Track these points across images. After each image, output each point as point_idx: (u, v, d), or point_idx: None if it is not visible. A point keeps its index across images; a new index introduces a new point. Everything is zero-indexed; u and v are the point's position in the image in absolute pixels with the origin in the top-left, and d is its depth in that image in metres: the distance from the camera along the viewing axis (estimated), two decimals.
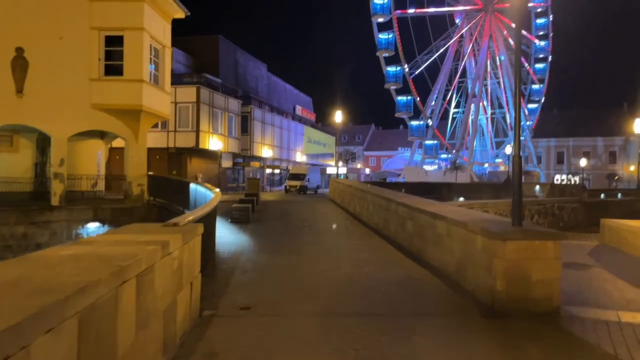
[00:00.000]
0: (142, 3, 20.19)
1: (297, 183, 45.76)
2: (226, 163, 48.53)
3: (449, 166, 56.84)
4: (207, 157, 44.77)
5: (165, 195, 20.25)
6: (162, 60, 22.65)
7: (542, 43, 77.03)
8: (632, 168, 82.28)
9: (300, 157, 65.04)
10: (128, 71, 20.18)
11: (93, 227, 20.90)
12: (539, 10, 77.15)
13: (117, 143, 27.34)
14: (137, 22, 20.10)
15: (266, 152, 54.02)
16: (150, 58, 21.52)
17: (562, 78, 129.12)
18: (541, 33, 77.64)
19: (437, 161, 63.04)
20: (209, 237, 9.29)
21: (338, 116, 27.41)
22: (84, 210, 20.62)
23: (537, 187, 45.95)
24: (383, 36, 54.37)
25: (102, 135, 23.79)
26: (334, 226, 14.90)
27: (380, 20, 54.38)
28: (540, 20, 77.81)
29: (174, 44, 48.99)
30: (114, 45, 20.32)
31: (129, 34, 20.10)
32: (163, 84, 22.71)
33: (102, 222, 20.97)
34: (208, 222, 8.63)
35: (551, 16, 76.13)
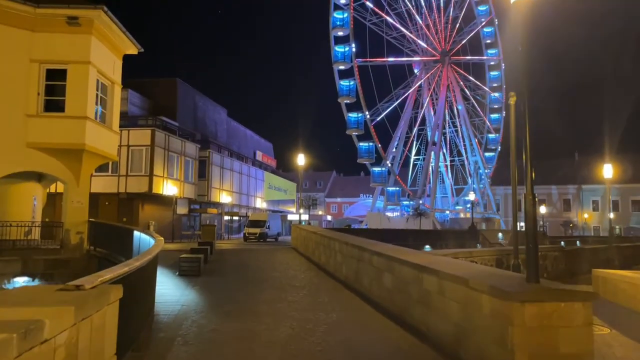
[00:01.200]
0: (89, 36, 18.63)
1: (257, 230, 43.79)
2: (182, 209, 46.09)
3: (411, 213, 56.29)
4: (161, 203, 42.31)
5: (107, 244, 18.01)
6: (111, 98, 20.92)
7: (497, 94, 79.87)
8: (586, 215, 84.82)
9: (260, 203, 63.10)
10: (70, 107, 18.31)
11: (21, 281, 18.26)
12: (492, 63, 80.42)
13: (61, 187, 24.94)
14: (83, 55, 18.46)
15: (225, 198, 51.93)
16: (97, 95, 19.75)
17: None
18: (495, 85, 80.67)
19: (399, 208, 62.54)
20: (145, 296, 7.45)
21: (300, 159, 26.10)
22: (12, 262, 18.02)
23: (500, 234, 45.70)
24: (344, 83, 54.58)
25: (39, 177, 21.43)
26: (298, 279, 13.18)
27: (342, 67, 54.74)
28: (493, 73, 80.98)
29: (130, 85, 47.67)
30: (56, 79, 18.50)
31: (73, 67, 18.39)
32: (111, 123, 20.86)
33: (33, 275, 18.39)
34: (143, 277, 6.84)
35: (503, 67, 79.40)
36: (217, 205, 51.21)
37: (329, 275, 13.44)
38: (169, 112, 46.98)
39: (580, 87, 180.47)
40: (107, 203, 40.89)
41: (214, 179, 50.48)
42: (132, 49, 21.97)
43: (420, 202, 58.30)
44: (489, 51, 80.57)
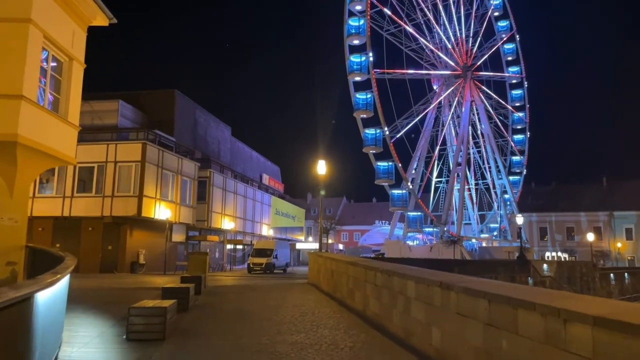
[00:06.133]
0: None
1: (263, 260, 37.90)
2: (178, 236, 40.31)
3: (437, 241, 50.19)
4: (153, 229, 36.58)
5: None
6: (67, 79, 15.45)
7: (520, 114, 74.65)
8: (619, 245, 77.98)
9: (266, 230, 57.15)
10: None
11: None
12: (514, 81, 75.52)
13: None
14: (20, 9, 13.08)
15: (227, 224, 46.08)
16: (45, 70, 14.29)
17: (537, 152, 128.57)
18: (518, 104, 75.56)
19: (418, 235, 56.34)
20: None
21: (321, 166, 20.31)
22: None
23: (545, 265, 39.41)
24: (361, 96, 49.30)
25: None
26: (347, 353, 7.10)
27: (358, 79, 49.62)
28: (516, 92, 75.97)
29: (122, 97, 42.65)
30: None
31: (5, 26, 12.98)
32: (66, 112, 15.31)
33: None
34: None
35: (526, 85, 74.44)
36: (218, 231, 45.38)
37: (397, 340, 7.49)
38: (165, 127, 41.74)
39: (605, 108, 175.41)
40: (90, 228, 35.23)
41: (215, 202, 44.80)
42: (101, 19, 16.63)
43: (445, 228, 52.15)
44: (511, 69, 75.78)
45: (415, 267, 8.73)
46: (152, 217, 35.37)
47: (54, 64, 15.10)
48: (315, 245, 65.25)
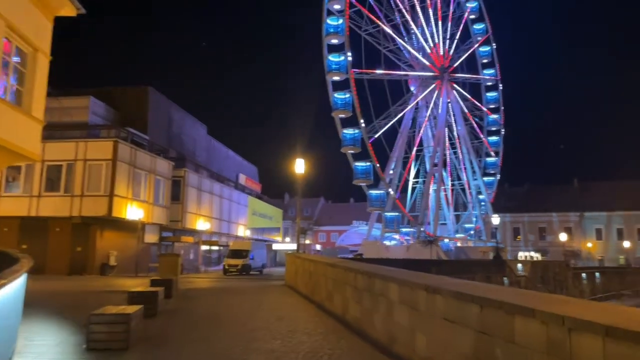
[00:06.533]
0: None
1: (239, 262, 37.18)
2: (150, 237, 39.28)
3: (414, 241, 50.25)
4: (124, 230, 35.51)
5: None
6: (32, 71, 14.62)
7: (495, 116, 75.51)
8: (590, 245, 79.66)
9: (243, 231, 56.33)
10: None
11: None
12: (489, 83, 76.35)
13: None
14: None
15: (202, 224, 45.16)
16: (4, 60, 13.46)
17: (511, 153, 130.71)
18: (492, 106, 76.36)
19: (395, 236, 56.36)
20: None
21: (299, 164, 19.85)
22: None
23: (519, 265, 39.78)
24: (339, 96, 49.00)
25: None
26: None
27: (336, 78, 49.30)
28: (490, 94, 76.77)
29: (93, 94, 41.37)
30: None
31: None
32: (29, 106, 14.48)
33: None
34: None
35: (501, 87, 75.35)
36: (193, 232, 44.43)
37: (379, 347, 7.10)
38: (138, 125, 40.65)
39: (578, 110, 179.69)
40: (57, 229, 33.97)
41: (190, 202, 43.86)
42: (69, 9, 15.83)
43: (422, 229, 52.29)
44: (486, 71, 76.61)
45: (397, 269, 8.37)
46: (124, 217, 34.35)
47: (17, 58, 14.27)
48: (293, 246, 64.71)
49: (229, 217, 52.71)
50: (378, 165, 49.46)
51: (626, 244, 73.88)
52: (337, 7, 49.75)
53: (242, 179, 62.78)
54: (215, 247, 49.94)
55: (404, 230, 54.65)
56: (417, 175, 62.59)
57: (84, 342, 7.29)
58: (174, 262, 16.24)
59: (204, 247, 47.74)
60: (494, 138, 76.18)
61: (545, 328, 3.59)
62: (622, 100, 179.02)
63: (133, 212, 34.88)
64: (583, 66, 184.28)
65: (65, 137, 34.69)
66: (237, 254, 38.46)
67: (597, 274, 47.39)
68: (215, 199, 49.21)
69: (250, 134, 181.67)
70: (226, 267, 37.30)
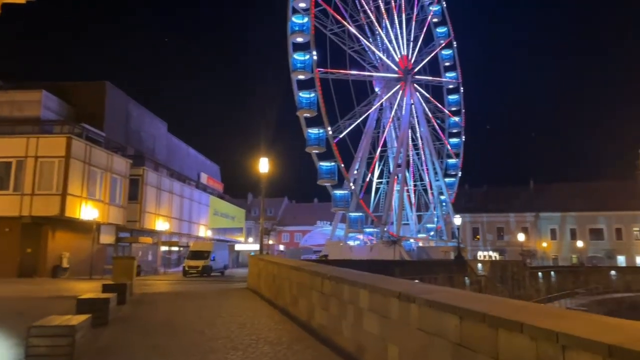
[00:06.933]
0: None
1: (200, 263, 36.21)
2: (106, 238, 37.73)
3: (377, 241, 50.39)
4: (79, 230, 34.01)
5: None
6: None
7: (456, 118, 76.87)
8: (545, 244, 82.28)
9: (204, 231, 55.08)
10: None
11: None
12: (450, 86, 77.62)
13: None
14: None
15: (161, 224, 43.80)
16: None
17: (471, 155, 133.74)
18: (454, 109, 77.67)
19: (359, 236, 56.45)
20: None
21: (263, 163, 19.27)
22: None
23: (480, 265, 40.48)
24: (304, 95, 48.54)
25: None
26: None
27: (301, 77, 48.80)
28: (452, 97, 78.08)
29: (46, 88, 39.38)
30: None
31: None
32: None
33: None
34: None
35: (462, 90, 76.77)
36: (151, 233, 43.03)
37: (347, 357, 6.71)
38: (94, 121, 39.02)
39: (536, 112, 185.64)
40: (6, 229, 32.15)
41: (149, 202, 42.47)
42: None
43: (386, 229, 52.54)
44: (448, 74, 77.90)
45: (367, 273, 8.01)
46: (77, 217, 32.88)
47: None
48: (255, 247, 63.75)
49: (189, 217, 51.42)
50: (343, 165, 49.35)
51: (579, 243, 76.67)
52: (302, 5, 49.30)
53: (204, 178, 61.46)
54: (175, 248, 48.59)
55: (367, 230, 54.78)
56: (380, 176, 62.99)
57: (22, 358, 6.57)
58: (129, 265, 15.37)
59: (163, 248, 46.36)
60: (455, 140, 77.51)
61: (534, 344, 3.27)
62: (578, 104, 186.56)
63: (87, 211, 33.40)
64: (541, 72, 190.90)
65: (16, 133, 33.02)
66: (197, 255, 37.46)
67: (552, 273, 48.87)
68: (175, 198, 47.87)
69: (213, 132, 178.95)
70: (186, 268, 36.25)
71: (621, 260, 74.28)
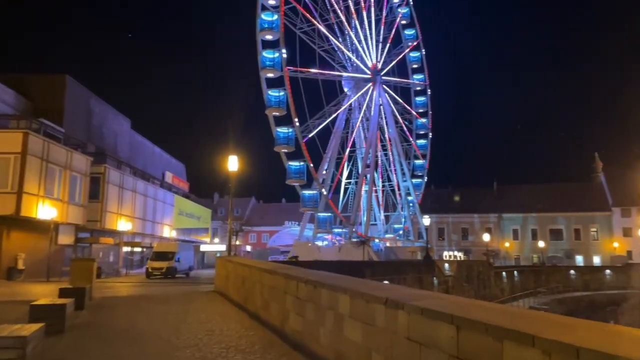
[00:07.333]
0: None
1: (164, 264, 35.12)
2: (65, 239, 36.17)
3: (346, 242, 50.26)
4: (35, 230, 32.38)
5: None
6: None
7: (423, 120, 77.73)
8: (507, 244, 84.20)
9: (168, 232, 53.66)
10: None
11: None
12: (418, 88, 78.44)
13: None
14: None
15: (124, 225, 42.31)
16: None
17: (438, 156, 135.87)
18: (421, 110, 78.52)
19: (327, 236, 56.23)
20: None
21: (232, 162, 18.64)
22: None
23: (447, 265, 40.86)
24: (273, 93, 47.88)
25: None
26: None
27: (270, 75, 48.12)
28: (419, 98, 78.92)
29: (1, 80, 37.42)
30: None
31: None
32: None
33: None
34: None
35: (429, 93, 77.72)
36: (113, 233, 41.51)
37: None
38: (53, 116, 37.39)
39: (499, 114, 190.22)
40: None
41: (111, 201, 40.96)
42: None
43: (354, 229, 52.47)
44: (416, 76, 78.71)
45: (347, 277, 7.65)
46: (34, 216, 31.33)
47: None
48: (221, 247, 62.61)
49: (153, 217, 49.96)
50: (312, 165, 48.96)
51: (540, 243, 78.73)
52: (272, 2, 48.65)
53: (169, 176, 59.95)
54: (138, 249, 47.09)
55: (336, 230, 54.59)
56: (349, 176, 62.97)
57: None
58: (88, 267, 14.46)
59: (126, 249, 44.82)
60: (422, 141, 78.38)
61: None
62: (540, 109, 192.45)
63: (45, 211, 31.85)
64: (506, 77, 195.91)
65: None
66: (161, 256, 36.34)
67: (515, 273, 49.89)
68: (138, 197, 46.38)
69: (179, 130, 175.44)
70: (149, 270, 35.07)
71: (579, 260, 76.71)
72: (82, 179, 36.93)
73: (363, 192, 58.18)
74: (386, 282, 24.77)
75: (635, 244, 72.49)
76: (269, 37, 48.23)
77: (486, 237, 61.99)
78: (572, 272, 56.43)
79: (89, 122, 43.94)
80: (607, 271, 56.39)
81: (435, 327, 4.14)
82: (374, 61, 62.86)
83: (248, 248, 78.55)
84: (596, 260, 75.71)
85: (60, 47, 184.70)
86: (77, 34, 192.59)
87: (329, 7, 56.30)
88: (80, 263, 15.20)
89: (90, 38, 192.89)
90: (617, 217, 76.73)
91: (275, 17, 47.99)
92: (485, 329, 3.50)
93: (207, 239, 69.01)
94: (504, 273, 49.26)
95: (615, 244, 74.61)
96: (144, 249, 47.24)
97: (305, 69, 51.57)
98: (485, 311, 3.92)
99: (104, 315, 11.54)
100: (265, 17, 48.18)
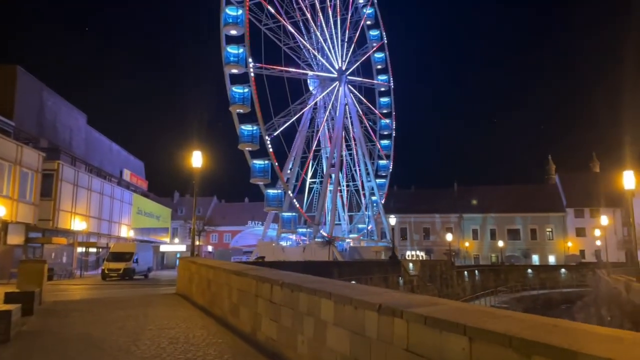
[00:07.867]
0: None
1: (121, 265, 33.59)
2: (14, 239, 33.99)
3: (310, 241, 49.74)
4: None
5: None
6: None
7: (387, 120, 78.19)
8: (467, 244, 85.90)
9: (126, 231, 51.66)
10: None
11: None
12: (382, 89, 78.83)
13: None
14: None
15: (78, 224, 40.31)
16: None
17: (401, 157, 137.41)
18: (385, 111, 78.95)
19: (292, 236, 55.62)
20: None
21: (196, 157, 17.79)
22: None
23: (411, 264, 41.01)
24: (237, 90, 46.82)
25: None
26: None
27: (234, 71, 47.02)
28: (384, 99, 79.33)
29: None
30: None
31: None
32: None
33: None
34: None
35: (393, 93, 78.30)
36: (67, 233, 39.49)
37: None
38: (3, 109, 35.14)
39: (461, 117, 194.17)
40: None
41: (65, 199, 38.97)
42: None
43: (320, 229, 52.04)
44: (380, 77, 79.09)
45: (328, 279, 7.11)
46: None
47: None
48: (181, 247, 60.87)
49: (110, 216, 47.96)
50: (276, 163, 48.16)
51: (499, 243, 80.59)
52: None
53: (127, 174, 57.82)
54: (93, 249, 45.02)
55: (300, 230, 54.00)
56: (314, 175, 62.56)
57: None
58: (38, 269, 13.29)
59: (80, 250, 42.74)
60: (385, 142, 78.83)
61: None
62: (500, 112, 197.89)
63: None
64: (471, 79, 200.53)
65: None
66: (118, 256, 34.76)
67: (476, 272, 50.70)
68: (94, 195, 44.37)
69: (138, 127, 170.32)
70: (106, 271, 33.46)
71: (535, 259, 79.06)
72: (33, 176, 34.89)
73: (328, 192, 57.86)
74: (353, 282, 24.41)
75: (588, 244, 75.30)
76: (233, 32, 47.13)
77: (449, 236, 62.87)
78: (529, 271, 57.99)
79: (41, 116, 41.68)
80: (562, 270, 58.26)
81: (442, 339, 3.65)
82: (340, 60, 62.68)
83: (210, 248, 76.88)
84: (551, 259, 78.20)
85: (12, 38, 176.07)
86: (30, 25, 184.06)
87: (294, 5, 55.74)
88: (30, 265, 13.99)
89: (45, 30, 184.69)
90: (571, 217, 79.55)
91: (240, 12, 46.94)
92: (509, 341, 3.03)
93: (167, 239, 67.04)
94: (465, 272, 50.02)
95: (569, 244, 77.30)
96: (100, 250, 45.25)
97: (271, 66, 50.80)
98: (498, 320, 3.45)
99: (55, 321, 10.55)
100: (229, 11, 47.04)
